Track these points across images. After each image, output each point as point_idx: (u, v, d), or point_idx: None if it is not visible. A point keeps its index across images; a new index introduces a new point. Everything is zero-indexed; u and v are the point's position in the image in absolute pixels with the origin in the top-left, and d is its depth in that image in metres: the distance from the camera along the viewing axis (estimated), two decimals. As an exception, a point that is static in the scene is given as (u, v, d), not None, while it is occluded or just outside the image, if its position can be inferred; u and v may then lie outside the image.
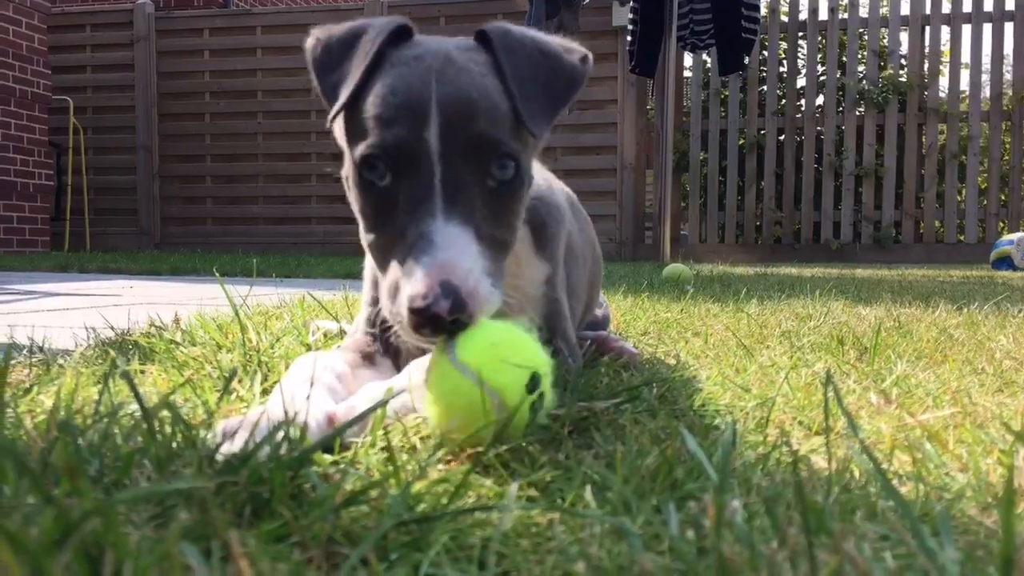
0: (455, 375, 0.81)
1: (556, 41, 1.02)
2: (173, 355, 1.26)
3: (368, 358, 1.10)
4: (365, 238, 0.95)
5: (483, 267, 0.85)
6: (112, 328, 1.57)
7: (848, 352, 1.57)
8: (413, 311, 0.81)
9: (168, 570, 0.42)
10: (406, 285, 0.82)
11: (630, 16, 6.49)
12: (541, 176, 1.27)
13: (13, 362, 1.22)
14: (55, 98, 7.78)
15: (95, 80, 8.50)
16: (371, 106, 0.90)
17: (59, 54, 8.24)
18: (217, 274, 1.65)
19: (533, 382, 0.82)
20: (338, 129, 0.99)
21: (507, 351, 0.83)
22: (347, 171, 0.96)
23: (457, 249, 0.83)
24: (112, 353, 1.20)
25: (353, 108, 0.93)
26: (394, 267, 0.86)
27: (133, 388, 0.66)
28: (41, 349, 1.33)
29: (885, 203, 7.66)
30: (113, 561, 0.40)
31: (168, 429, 0.65)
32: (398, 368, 1.11)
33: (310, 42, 1.00)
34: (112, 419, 0.70)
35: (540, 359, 0.85)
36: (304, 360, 0.99)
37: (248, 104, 8.23)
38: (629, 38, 6.56)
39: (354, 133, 0.93)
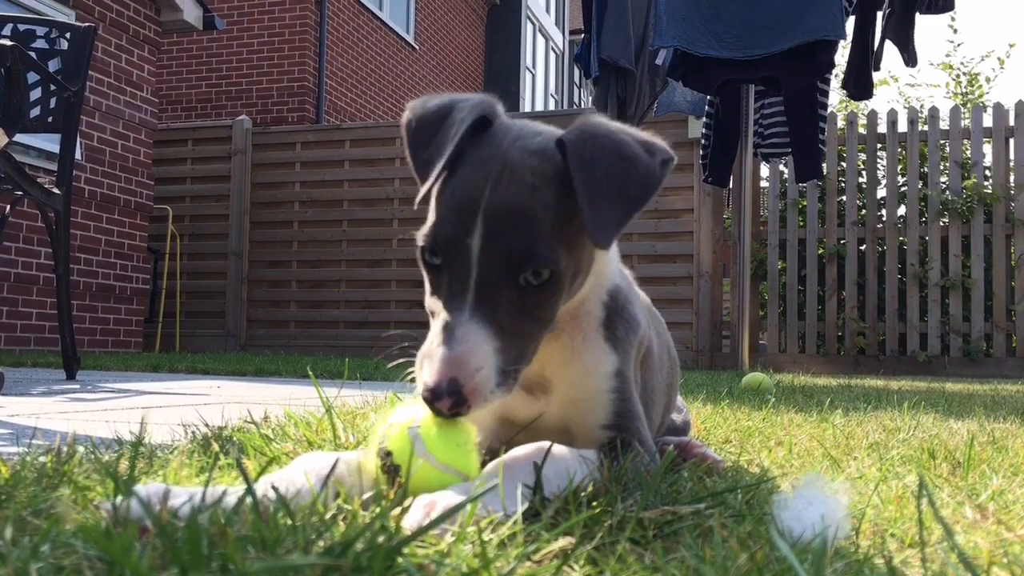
0: (431, 471, 0.98)
1: (639, 141, 1.05)
2: (266, 450, 1.30)
3: None
4: (426, 299, 1.07)
5: (495, 364, 0.96)
6: (207, 425, 1.64)
7: (940, 466, 1.52)
8: (423, 397, 0.96)
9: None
10: (427, 368, 0.97)
11: (703, 131, 6.61)
12: (626, 280, 1.30)
13: (116, 454, 1.28)
14: (156, 207, 8.25)
15: (193, 191, 9.00)
16: (438, 201, 1.02)
17: (162, 166, 8.77)
18: (311, 374, 1.71)
19: None
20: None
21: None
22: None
23: (471, 346, 0.95)
24: (215, 445, 1.26)
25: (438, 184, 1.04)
26: (428, 340, 1.00)
27: (244, 474, 0.70)
28: (142, 443, 1.39)
29: (974, 315, 7.43)
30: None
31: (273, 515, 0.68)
32: None
33: (406, 116, 1.10)
34: (217, 505, 0.73)
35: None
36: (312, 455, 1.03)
37: (334, 213, 8.57)
38: (702, 151, 6.67)
39: (431, 210, 1.04)
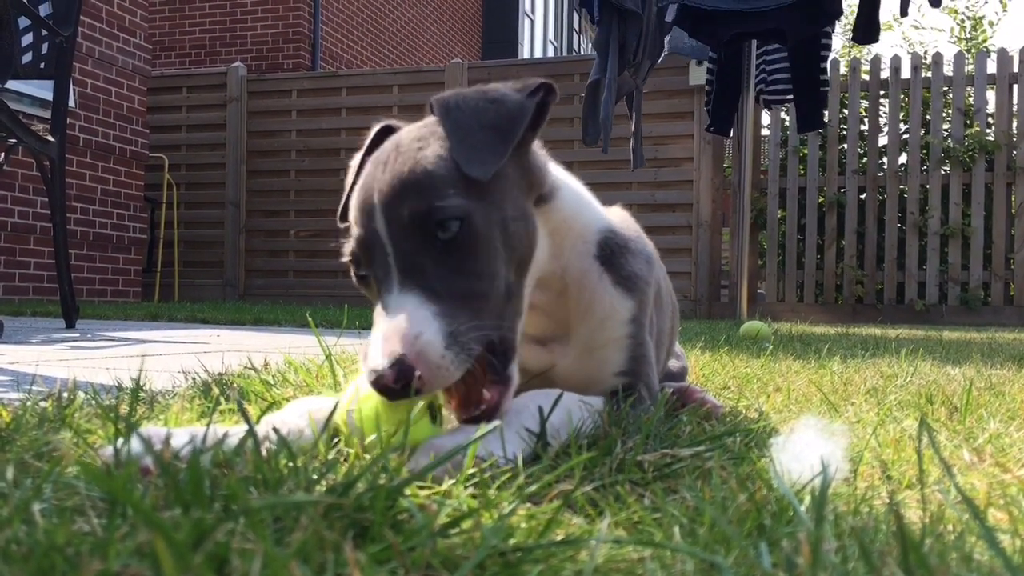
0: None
1: (509, 86, 1.06)
2: (266, 396, 1.31)
3: None
4: None
5: (438, 328, 0.90)
6: (207, 371, 1.64)
7: (938, 410, 1.53)
8: (372, 385, 0.88)
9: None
10: (366, 356, 0.91)
11: (707, 77, 6.53)
12: (624, 223, 1.29)
13: (116, 399, 1.29)
14: (151, 155, 8.18)
15: (189, 139, 8.92)
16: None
17: (156, 114, 8.68)
18: (311, 322, 1.71)
19: None
20: None
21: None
22: None
23: (405, 315, 0.90)
24: (215, 391, 1.26)
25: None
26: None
27: (245, 416, 0.70)
28: (142, 388, 1.40)
29: (973, 264, 7.43)
30: (240, 567, 0.43)
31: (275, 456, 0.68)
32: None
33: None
34: (219, 447, 0.74)
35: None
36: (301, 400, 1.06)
37: (332, 161, 8.50)
38: (707, 98, 6.60)
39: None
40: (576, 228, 1.16)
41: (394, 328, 0.89)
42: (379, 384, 0.88)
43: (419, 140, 1.00)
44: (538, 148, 1.14)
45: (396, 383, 0.87)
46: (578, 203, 1.19)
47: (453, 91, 1.05)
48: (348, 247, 1.01)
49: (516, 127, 1.01)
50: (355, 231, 1.00)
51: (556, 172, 1.17)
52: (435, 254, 0.95)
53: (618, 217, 1.30)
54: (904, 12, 5.16)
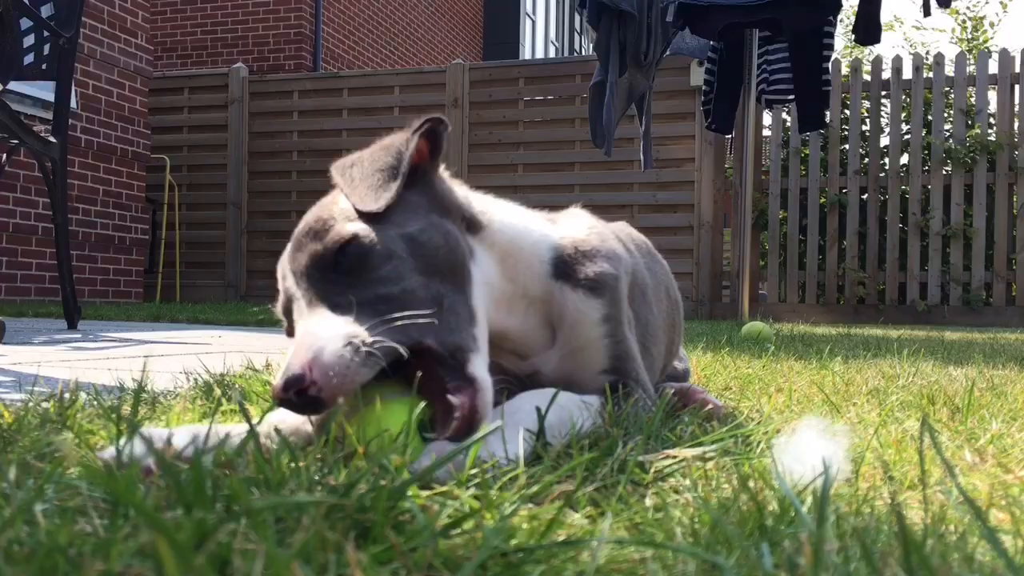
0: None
1: (399, 134, 1.15)
2: (268, 397, 1.31)
3: None
4: None
5: (337, 332, 0.91)
6: (209, 372, 1.64)
7: (939, 411, 1.53)
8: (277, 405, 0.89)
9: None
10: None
11: (705, 76, 6.53)
12: (575, 231, 1.28)
13: (118, 400, 1.29)
14: (153, 156, 8.18)
15: (190, 140, 8.92)
16: None
17: (158, 115, 8.69)
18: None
19: None
20: None
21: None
22: None
23: (307, 330, 0.93)
24: (217, 391, 1.26)
25: None
26: None
27: (247, 416, 0.70)
28: (144, 389, 1.40)
29: (975, 264, 7.43)
30: (242, 567, 0.43)
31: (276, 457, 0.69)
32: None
33: None
34: (221, 447, 0.74)
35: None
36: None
37: (333, 162, 8.49)
38: (703, 97, 6.59)
39: None
40: (524, 251, 1.19)
41: (296, 347, 0.91)
42: (275, 399, 0.87)
43: (320, 206, 1.10)
44: (453, 181, 1.19)
45: (285, 392, 0.86)
46: (516, 228, 1.21)
47: (350, 155, 1.15)
48: (277, 312, 1.09)
49: (401, 160, 1.08)
50: (280, 301, 1.08)
51: (484, 201, 1.22)
52: (337, 278, 0.99)
53: (572, 224, 1.30)
54: (927, 12, 5.17)
